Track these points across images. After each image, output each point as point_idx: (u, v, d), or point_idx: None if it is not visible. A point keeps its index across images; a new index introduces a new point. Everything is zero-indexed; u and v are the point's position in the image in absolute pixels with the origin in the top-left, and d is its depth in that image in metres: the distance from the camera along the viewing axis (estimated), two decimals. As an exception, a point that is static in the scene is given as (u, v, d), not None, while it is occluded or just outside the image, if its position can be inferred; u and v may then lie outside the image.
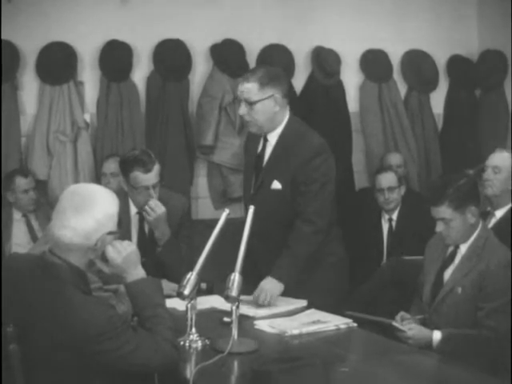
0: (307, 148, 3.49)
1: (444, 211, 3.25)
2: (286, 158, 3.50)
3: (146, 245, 3.78)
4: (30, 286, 2.37)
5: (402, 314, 3.33)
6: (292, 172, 3.47)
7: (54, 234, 2.40)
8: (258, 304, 3.32)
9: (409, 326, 3.21)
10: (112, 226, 2.45)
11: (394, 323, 3.22)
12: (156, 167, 3.75)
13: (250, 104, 3.44)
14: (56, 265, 2.38)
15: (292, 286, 3.44)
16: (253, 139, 3.71)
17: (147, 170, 3.71)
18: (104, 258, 2.52)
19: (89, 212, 2.39)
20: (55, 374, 2.34)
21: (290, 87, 5.45)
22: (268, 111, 3.46)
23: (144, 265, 2.62)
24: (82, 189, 2.50)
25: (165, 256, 3.76)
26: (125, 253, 2.52)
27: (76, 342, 2.27)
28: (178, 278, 2.90)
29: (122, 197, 3.84)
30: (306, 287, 3.46)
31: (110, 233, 2.45)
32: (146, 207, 3.73)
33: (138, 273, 2.54)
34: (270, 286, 3.36)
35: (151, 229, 3.82)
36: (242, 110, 3.47)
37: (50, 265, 2.39)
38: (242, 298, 3.07)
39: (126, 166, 3.77)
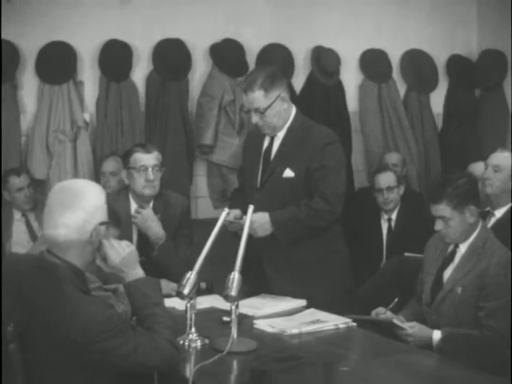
0: (321, 136, 3.55)
1: (443, 209, 3.25)
2: (298, 147, 3.52)
3: (146, 243, 3.79)
4: (28, 286, 2.37)
5: (378, 310, 3.34)
6: (307, 160, 3.49)
7: (48, 234, 2.40)
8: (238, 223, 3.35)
9: (410, 324, 3.21)
10: (102, 215, 2.45)
11: (395, 321, 3.22)
12: (157, 153, 3.89)
13: (261, 112, 3.46)
14: (54, 264, 2.38)
15: (292, 282, 3.48)
16: (255, 137, 3.72)
17: (147, 151, 3.85)
18: (103, 258, 2.53)
19: (77, 206, 2.39)
20: (55, 374, 2.33)
21: (289, 85, 5.48)
22: (279, 112, 3.50)
23: (143, 263, 2.62)
24: (66, 186, 2.50)
25: (161, 260, 3.75)
26: (123, 253, 2.53)
27: (75, 341, 2.26)
28: (177, 279, 2.90)
29: (122, 196, 3.87)
30: (308, 284, 3.47)
31: (102, 223, 2.44)
32: (134, 213, 3.80)
33: (136, 272, 2.55)
34: (261, 219, 3.38)
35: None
36: (254, 118, 3.49)
37: (49, 265, 2.38)
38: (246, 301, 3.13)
39: (128, 152, 3.94)
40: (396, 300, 3.44)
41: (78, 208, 2.38)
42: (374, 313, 3.34)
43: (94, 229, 2.41)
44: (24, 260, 2.57)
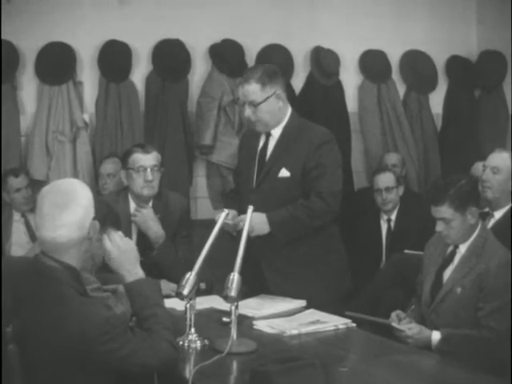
0: (316, 135, 3.53)
1: (445, 211, 3.24)
2: (294, 147, 3.51)
3: (146, 244, 3.79)
4: (25, 289, 2.36)
5: (397, 312, 3.33)
6: (303, 159, 3.48)
7: (48, 236, 2.37)
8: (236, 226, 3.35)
9: (408, 326, 3.21)
10: (93, 210, 2.44)
11: (394, 324, 3.23)
12: (155, 153, 3.88)
13: (255, 105, 3.45)
14: (51, 267, 2.37)
15: (293, 282, 3.48)
16: (250, 136, 3.71)
17: (146, 152, 3.85)
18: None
19: (73, 204, 2.38)
20: (54, 375, 2.33)
21: (288, 86, 5.48)
22: (273, 109, 3.49)
23: (143, 264, 2.62)
24: (55, 187, 2.47)
25: (160, 259, 3.76)
26: (123, 247, 2.53)
27: (74, 344, 2.26)
28: (176, 279, 2.90)
29: (122, 196, 3.87)
30: (307, 285, 3.47)
31: (94, 218, 2.44)
32: (134, 212, 3.81)
33: (136, 272, 2.55)
34: (258, 219, 3.37)
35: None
36: (247, 112, 3.48)
37: (45, 267, 2.37)
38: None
39: (127, 153, 3.94)
40: (413, 307, 3.45)
41: (74, 206, 2.38)
42: (393, 315, 3.32)
43: (91, 224, 2.41)
44: (19, 263, 2.56)
